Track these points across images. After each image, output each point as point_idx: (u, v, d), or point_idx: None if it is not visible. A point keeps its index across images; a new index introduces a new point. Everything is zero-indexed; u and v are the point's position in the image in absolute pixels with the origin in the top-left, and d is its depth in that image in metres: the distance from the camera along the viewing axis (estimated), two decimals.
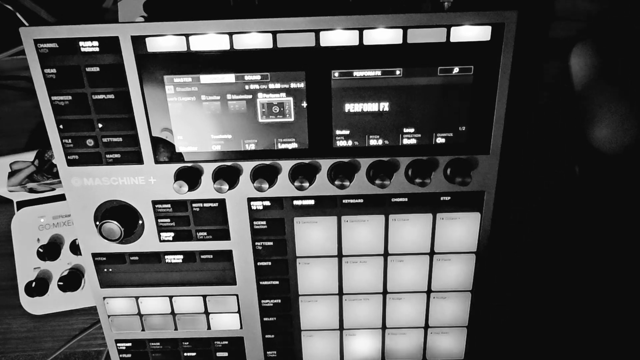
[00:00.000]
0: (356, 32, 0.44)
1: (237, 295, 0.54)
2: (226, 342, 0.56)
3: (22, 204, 0.61)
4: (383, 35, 0.44)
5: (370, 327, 0.56)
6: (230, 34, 0.44)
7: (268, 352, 0.57)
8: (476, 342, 0.56)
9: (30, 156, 0.59)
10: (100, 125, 0.47)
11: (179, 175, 0.48)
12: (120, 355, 0.57)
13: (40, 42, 0.44)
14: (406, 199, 0.50)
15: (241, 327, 0.56)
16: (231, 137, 0.48)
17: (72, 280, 0.60)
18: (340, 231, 0.51)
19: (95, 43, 0.44)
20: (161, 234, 0.51)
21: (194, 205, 0.50)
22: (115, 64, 0.45)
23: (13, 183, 0.59)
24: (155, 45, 0.44)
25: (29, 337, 0.63)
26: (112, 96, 0.46)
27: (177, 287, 0.54)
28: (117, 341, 0.56)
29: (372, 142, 0.48)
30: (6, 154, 0.60)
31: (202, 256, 0.52)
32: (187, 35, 0.44)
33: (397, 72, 0.45)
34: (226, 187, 0.47)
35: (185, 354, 0.57)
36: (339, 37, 0.44)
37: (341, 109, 0.47)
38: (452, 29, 0.44)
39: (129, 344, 0.56)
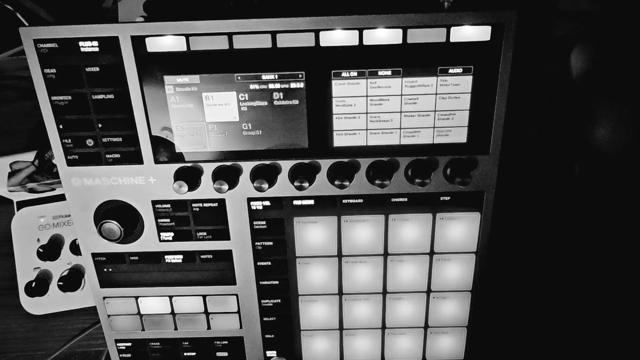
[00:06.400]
0: (356, 32, 0.44)
1: (237, 295, 0.54)
2: (226, 342, 0.56)
3: (22, 204, 0.61)
4: (383, 35, 0.44)
5: (370, 327, 0.56)
6: (230, 34, 0.44)
7: (268, 352, 0.57)
8: (476, 342, 0.56)
9: (30, 156, 0.59)
10: (100, 125, 0.47)
11: (179, 175, 0.48)
12: (120, 355, 0.57)
13: (40, 42, 0.44)
14: (406, 199, 0.50)
15: (241, 327, 0.56)
16: (231, 137, 0.48)
17: (72, 280, 0.60)
18: (340, 231, 0.51)
19: (95, 43, 0.44)
20: (161, 234, 0.51)
21: (193, 205, 0.50)
22: (115, 64, 0.45)
23: (13, 183, 0.59)
24: (155, 45, 0.44)
25: (29, 337, 0.63)
26: (111, 96, 0.46)
27: (177, 287, 0.54)
28: (117, 341, 0.56)
29: (372, 142, 0.48)
30: (6, 154, 0.60)
31: (202, 256, 0.52)
32: (187, 35, 0.44)
33: (397, 72, 0.45)
34: (226, 187, 0.47)
35: (185, 354, 0.57)
36: (338, 37, 0.44)
37: (341, 108, 0.47)
38: (452, 29, 0.44)
39: (129, 344, 0.57)
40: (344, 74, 0.45)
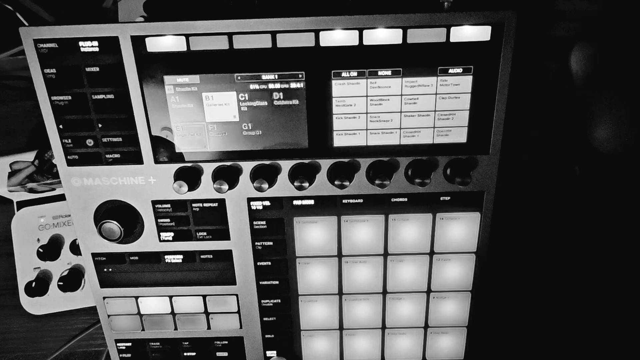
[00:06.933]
0: (356, 32, 0.44)
1: (237, 295, 0.54)
2: (226, 342, 0.56)
3: (22, 204, 0.61)
4: (383, 35, 0.44)
5: (370, 327, 0.56)
6: (230, 34, 0.44)
7: (268, 352, 0.57)
8: (476, 342, 0.56)
9: (30, 156, 0.59)
10: (100, 125, 0.47)
11: (179, 175, 0.48)
12: (120, 355, 0.57)
13: (40, 42, 0.44)
14: (406, 199, 0.50)
15: (241, 327, 0.56)
16: (231, 137, 0.48)
17: (72, 280, 0.60)
18: (340, 231, 0.51)
19: (95, 43, 0.44)
20: (161, 234, 0.51)
21: (193, 205, 0.50)
22: (115, 64, 0.45)
23: (13, 183, 0.59)
24: (155, 45, 0.44)
25: (29, 337, 0.63)
26: (111, 96, 0.46)
27: (177, 287, 0.54)
28: (117, 341, 0.56)
29: (372, 142, 0.48)
30: (6, 154, 0.60)
31: (202, 256, 0.52)
32: (187, 35, 0.44)
33: (397, 72, 0.45)
34: (226, 187, 0.47)
35: (185, 354, 0.57)
36: (338, 37, 0.44)
37: (341, 108, 0.47)
38: (452, 29, 0.44)
39: (129, 344, 0.57)
40: (344, 74, 0.45)
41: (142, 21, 0.46)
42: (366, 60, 0.45)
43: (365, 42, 0.44)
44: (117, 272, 0.53)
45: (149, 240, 0.52)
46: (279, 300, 0.54)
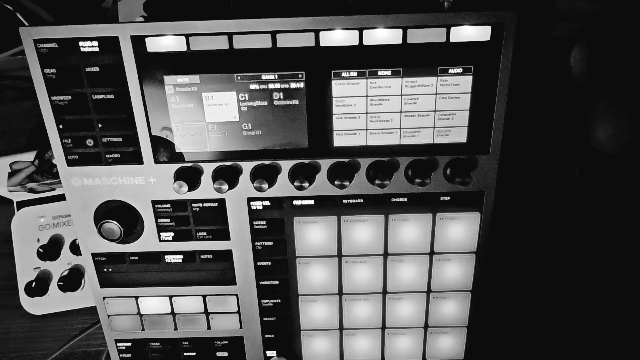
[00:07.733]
0: (356, 32, 0.44)
1: (237, 295, 0.54)
2: (226, 342, 0.56)
3: (22, 204, 0.61)
4: (383, 35, 0.44)
5: (370, 327, 0.56)
6: (230, 34, 0.44)
7: (268, 352, 0.57)
8: (476, 342, 0.56)
9: (30, 156, 0.59)
10: (100, 125, 0.47)
11: (179, 175, 0.48)
12: (120, 355, 0.57)
13: (40, 42, 0.44)
14: (406, 199, 0.50)
15: (241, 327, 0.56)
16: (231, 137, 0.48)
17: (72, 280, 0.60)
18: (340, 231, 0.51)
19: (95, 43, 0.44)
20: (161, 233, 0.51)
21: (193, 205, 0.50)
22: (115, 64, 0.45)
23: (13, 183, 0.59)
24: (155, 45, 0.44)
25: (29, 337, 0.63)
26: (111, 96, 0.46)
27: (177, 287, 0.54)
28: (117, 341, 0.56)
29: (372, 142, 0.48)
30: (6, 154, 0.60)
31: (202, 256, 0.52)
32: (187, 35, 0.44)
33: (397, 72, 0.45)
34: (226, 187, 0.47)
35: (185, 354, 0.57)
36: (338, 37, 0.44)
37: (341, 108, 0.47)
38: (452, 29, 0.44)
39: (129, 344, 0.57)
40: (344, 74, 0.45)
41: (142, 21, 0.46)
42: (366, 60, 0.45)
43: (365, 42, 0.44)
44: (117, 272, 0.53)
45: (149, 240, 0.52)
46: (279, 300, 0.54)
